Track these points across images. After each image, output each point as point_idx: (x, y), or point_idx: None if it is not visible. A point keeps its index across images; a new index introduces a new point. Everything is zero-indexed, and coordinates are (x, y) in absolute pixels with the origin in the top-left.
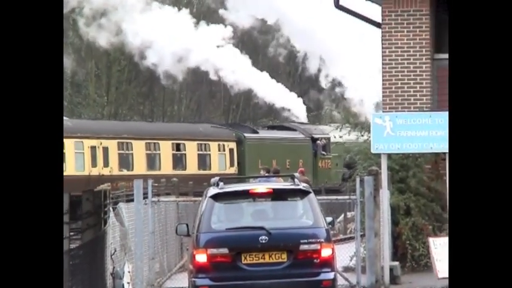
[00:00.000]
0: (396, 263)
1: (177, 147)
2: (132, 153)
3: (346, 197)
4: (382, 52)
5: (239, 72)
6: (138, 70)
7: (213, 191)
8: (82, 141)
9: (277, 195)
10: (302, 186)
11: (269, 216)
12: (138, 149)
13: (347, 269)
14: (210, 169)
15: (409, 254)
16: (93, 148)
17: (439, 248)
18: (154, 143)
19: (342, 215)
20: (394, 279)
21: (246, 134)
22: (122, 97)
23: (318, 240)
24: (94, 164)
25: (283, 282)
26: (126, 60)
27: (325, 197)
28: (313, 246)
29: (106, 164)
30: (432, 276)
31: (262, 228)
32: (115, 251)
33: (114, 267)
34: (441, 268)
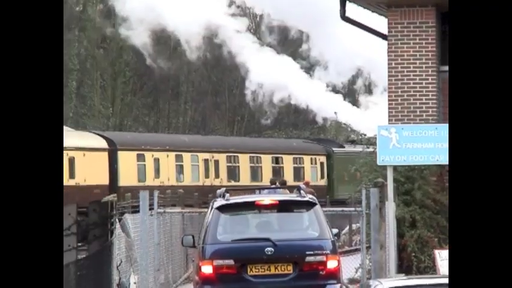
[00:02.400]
0: (402, 275)
1: (276, 160)
2: (238, 166)
3: (352, 208)
4: (388, 64)
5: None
6: (143, 82)
7: (219, 202)
8: (197, 155)
9: (283, 206)
10: (308, 197)
11: (275, 228)
12: (244, 162)
13: (352, 281)
14: (303, 180)
15: (415, 266)
16: (206, 161)
17: (445, 260)
18: (257, 157)
19: (348, 227)
20: None
21: (334, 149)
22: (127, 108)
23: (324, 252)
24: (207, 175)
25: None
26: (131, 72)
27: (330, 209)
28: (319, 258)
29: (217, 175)
30: None
31: (268, 239)
32: (121, 262)
33: (120, 278)
34: None
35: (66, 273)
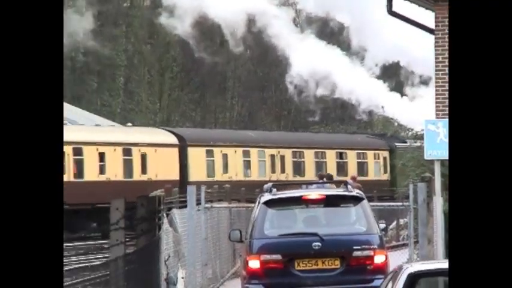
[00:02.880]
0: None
1: (340, 155)
2: (303, 161)
3: (400, 203)
4: (435, 58)
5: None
6: (190, 77)
7: (266, 197)
8: (264, 150)
9: (330, 201)
10: (355, 192)
11: (322, 223)
12: (309, 157)
13: None
14: (367, 175)
15: None
16: (272, 156)
17: None
18: (322, 152)
19: (395, 222)
20: None
21: (397, 144)
22: (174, 103)
23: (371, 247)
24: (273, 170)
25: None
26: (178, 67)
27: (378, 204)
28: (366, 253)
29: (283, 170)
30: None
31: (315, 234)
32: (169, 257)
33: (168, 273)
34: None
35: (114, 267)
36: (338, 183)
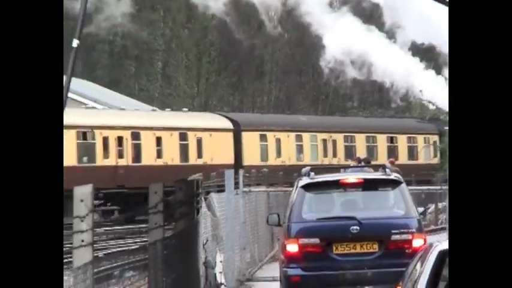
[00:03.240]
0: None
1: (391, 140)
2: (355, 145)
3: (438, 187)
4: None
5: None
6: (228, 62)
7: (304, 181)
8: (316, 135)
9: (368, 185)
10: (393, 176)
11: (360, 207)
12: (360, 142)
13: None
14: (417, 159)
15: None
16: (324, 141)
17: None
18: (373, 137)
19: (433, 206)
20: None
21: (446, 128)
22: (211, 88)
23: (410, 231)
24: (325, 154)
25: (375, 273)
26: (216, 52)
27: (416, 187)
28: (404, 237)
29: (334, 154)
30: None
31: (353, 218)
32: (207, 240)
33: (206, 257)
34: None
35: (152, 251)
36: (376, 167)
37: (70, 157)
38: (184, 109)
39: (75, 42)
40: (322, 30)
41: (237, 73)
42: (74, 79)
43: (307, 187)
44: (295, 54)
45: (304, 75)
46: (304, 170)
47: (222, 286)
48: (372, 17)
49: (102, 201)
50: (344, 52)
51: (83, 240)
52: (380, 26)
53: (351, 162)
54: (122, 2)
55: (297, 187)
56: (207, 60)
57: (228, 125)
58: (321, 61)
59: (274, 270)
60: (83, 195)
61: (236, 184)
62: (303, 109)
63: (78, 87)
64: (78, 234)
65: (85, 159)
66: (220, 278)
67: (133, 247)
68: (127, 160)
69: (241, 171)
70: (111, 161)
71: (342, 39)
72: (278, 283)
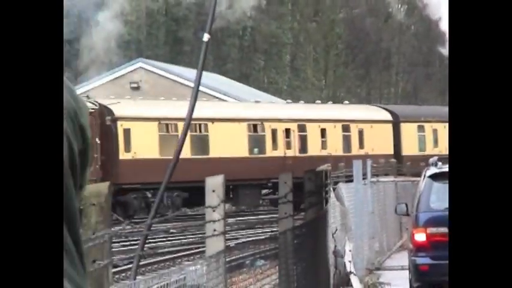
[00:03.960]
0: None
1: None
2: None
3: None
4: None
5: None
6: (355, 54)
7: (431, 170)
8: (423, 125)
9: None
10: None
11: None
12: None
13: None
14: None
15: None
16: (434, 131)
17: None
18: None
19: None
20: None
21: None
22: (339, 80)
23: None
24: (436, 145)
25: None
26: (343, 44)
27: None
28: None
29: (436, 145)
30: None
31: None
32: (336, 230)
33: (335, 246)
34: None
35: (283, 240)
36: None
37: (242, 149)
38: (346, 102)
39: (205, 37)
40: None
41: (364, 65)
42: (204, 73)
43: (434, 177)
44: (421, 46)
45: (431, 67)
46: (431, 159)
47: (352, 275)
48: None
49: (270, 190)
50: None
51: (215, 230)
52: None
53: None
54: None
55: (424, 177)
56: (335, 53)
57: (388, 116)
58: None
59: (402, 259)
60: (214, 185)
61: (364, 174)
62: (429, 100)
63: (209, 81)
64: (210, 223)
65: (256, 150)
66: (349, 267)
67: (262, 237)
68: (294, 151)
69: (368, 162)
70: (280, 152)
71: None
72: (407, 272)
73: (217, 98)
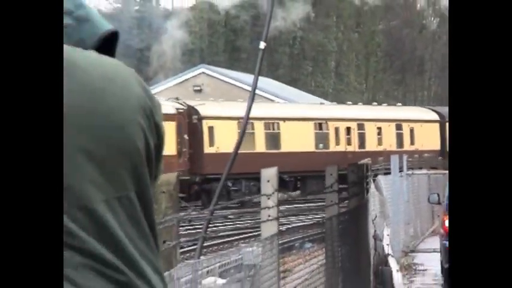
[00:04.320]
0: None
1: None
2: None
3: None
4: None
5: None
6: (393, 61)
7: None
8: None
9: None
10: None
11: None
12: None
13: None
14: None
15: None
16: None
17: None
18: None
19: None
20: None
21: None
22: (378, 84)
23: None
24: None
25: None
26: (382, 52)
27: None
28: None
29: None
30: None
31: None
32: (376, 217)
33: (375, 231)
34: None
35: (329, 225)
36: None
37: (309, 144)
38: (399, 104)
39: (262, 45)
40: None
41: (401, 71)
42: (260, 78)
43: None
44: None
45: None
46: None
47: (389, 256)
48: None
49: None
50: None
51: (269, 215)
52: None
53: None
54: (301, 9)
55: None
56: (375, 60)
57: (435, 116)
58: None
59: (434, 243)
60: (269, 176)
61: (401, 168)
62: None
63: (263, 84)
64: (265, 210)
65: (321, 145)
66: (387, 249)
67: (309, 223)
68: (354, 146)
69: (404, 157)
70: (341, 147)
71: None
72: (438, 254)
73: (270, 100)
